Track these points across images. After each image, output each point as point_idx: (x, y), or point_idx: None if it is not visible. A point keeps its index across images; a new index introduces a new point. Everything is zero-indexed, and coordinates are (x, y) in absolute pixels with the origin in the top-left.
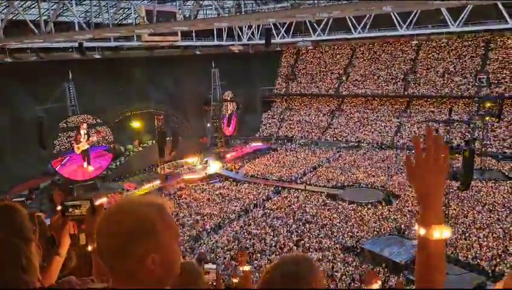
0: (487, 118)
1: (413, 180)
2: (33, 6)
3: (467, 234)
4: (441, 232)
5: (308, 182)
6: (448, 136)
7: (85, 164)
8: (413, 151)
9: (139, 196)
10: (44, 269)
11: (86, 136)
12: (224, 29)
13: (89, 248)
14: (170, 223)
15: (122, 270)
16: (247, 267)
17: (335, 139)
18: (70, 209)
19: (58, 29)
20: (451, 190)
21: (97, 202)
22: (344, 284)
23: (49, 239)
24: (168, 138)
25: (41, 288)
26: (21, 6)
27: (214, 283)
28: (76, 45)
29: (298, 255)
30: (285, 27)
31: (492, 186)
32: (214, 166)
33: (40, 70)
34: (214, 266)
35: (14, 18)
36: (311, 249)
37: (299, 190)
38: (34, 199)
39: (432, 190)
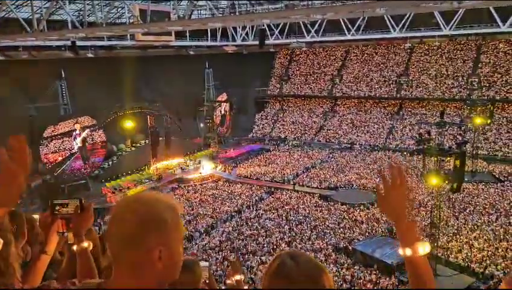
0: (478, 121)
1: (384, 209)
2: (26, 4)
3: (458, 236)
4: (424, 248)
5: (300, 183)
6: (440, 138)
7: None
8: (404, 152)
9: (154, 192)
10: (30, 267)
11: (79, 136)
12: (218, 29)
13: (75, 248)
14: (180, 225)
15: (128, 261)
16: (239, 277)
17: (328, 140)
18: (57, 208)
19: (51, 27)
20: (442, 192)
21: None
22: (335, 285)
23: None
24: (160, 138)
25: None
26: (13, 4)
27: (207, 281)
28: (69, 43)
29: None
30: (279, 28)
31: (483, 189)
32: (207, 166)
33: (32, 69)
34: (207, 264)
35: (6, 16)
36: (302, 250)
37: (291, 191)
38: (25, 198)
39: (401, 213)
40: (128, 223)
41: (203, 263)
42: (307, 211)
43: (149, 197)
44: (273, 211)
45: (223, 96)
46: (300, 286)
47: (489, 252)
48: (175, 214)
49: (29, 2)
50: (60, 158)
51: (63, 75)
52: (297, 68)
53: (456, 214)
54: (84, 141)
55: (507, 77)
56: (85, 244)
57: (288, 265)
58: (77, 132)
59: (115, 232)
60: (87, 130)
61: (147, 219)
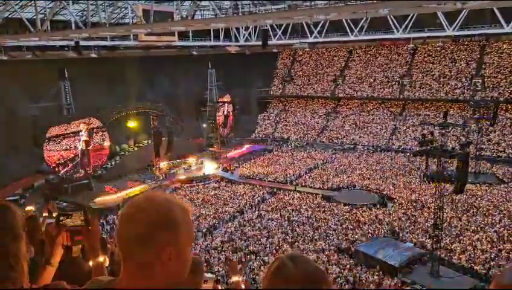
0: (482, 122)
1: None
2: (30, 4)
3: (461, 237)
4: None
5: (303, 184)
6: (443, 139)
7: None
8: (408, 153)
9: (165, 193)
10: (35, 278)
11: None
12: (221, 30)
13: (91, 263)
14: (190, 226)
15: (137, 260)
16: (236, 278)
17: (330, 141)
18: (61, 218)
19: (54, 27)
20: (445, 193)
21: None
22: (338, 286)
23: (41, 242)
24: (163, 138)
25: (31, 288)
26: (17, 4)
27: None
28: (72, 43)
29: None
30: (282, 28)
31: (486, 190)
32: (209, 166)
33: (35, 69)
34: (212, 276)
35: (10, 16)
36: (305, 251)
37: (293, 191)
38: (28, 197)
39: None
40: (139, 222)
41: (208, 275)
42: (310, 212)
43: (160, 197)
44: (276, 212)
45: (226, 97)
46: (298, 287)
47: (493, 254)
48: (186, 215)
49: (33, 2)
50: (72, 155)
51: (66, 75)
52: (300, 69)
53: (459, 215)
54: (87, 143)
55: (511, 78)
56: (101, 259)
57: (287, 267)
58: (83, 132)
59: (125, 231)
60: (86, 133)
61: (158, 219)
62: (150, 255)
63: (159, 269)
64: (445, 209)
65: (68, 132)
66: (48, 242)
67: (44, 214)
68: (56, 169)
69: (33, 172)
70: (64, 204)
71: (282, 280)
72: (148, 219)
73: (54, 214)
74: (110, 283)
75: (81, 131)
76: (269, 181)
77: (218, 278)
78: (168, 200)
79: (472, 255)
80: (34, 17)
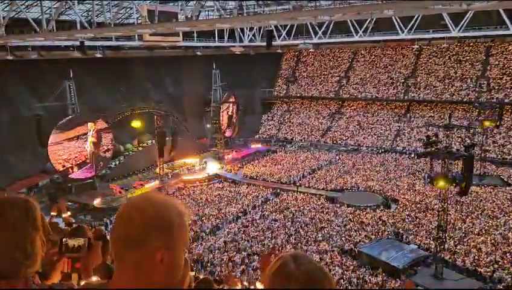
0: (487, 124)
1: None
2: (35, 4)
3: (466, 240)
4: None
5: (306, 185)
6: (447, 141)
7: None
8: (412, 155)
9: (164, 195)
10: None
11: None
12: (226, 30)
13: (82, 283)
14: (185, 231)
15: (130, 260)
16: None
17: (334, 142)
18: (64, 240)
19: (59, 27)
20: (450, 195)
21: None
22: (340, 287)
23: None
24: (167, 138)
25: (41, 287)
26: (23, 4)
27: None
28: (77, 43)
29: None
30: (286, 29)
31: (491, 192)
32: (213, 167)
33: (40, 69)
34: None
35: (16, 16)
36: (308, 252)
37: (297, 192)
38: (32, 196)
39: None
40: (134, 222)
41: None
42: (313, 213)
43: (158, 198)
44: (279, 212)
45: (231, 98)
46: (299, 287)
47: (498, 256)
48: (182, 219)
49: (38, 2)
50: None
51: (71, 75)
52: (304, 69)
53: (464, 217)
54: (95, 144)
55: None
56: (93, 279)
57: (289, 266)
58: (90, 132)
59: (120, 231)
60: (91, 132)
61: (153, 220)
62: (143, 256)
63: (151, 270)
64: (450, 211)
65: (82, 133)
66: (47, 268)
67: (52, 213)
68: (71, 170)
69: (38, 171)
70: (69, 203)
71: (283, 279)
72: (144, 219)
73: (64, 215)
74: (104, 284)
75: (88, 132)
76: (273, 182)
77: (221, 278)
78: (165, 202)
79: (476, 258)
80: (40, 17)
